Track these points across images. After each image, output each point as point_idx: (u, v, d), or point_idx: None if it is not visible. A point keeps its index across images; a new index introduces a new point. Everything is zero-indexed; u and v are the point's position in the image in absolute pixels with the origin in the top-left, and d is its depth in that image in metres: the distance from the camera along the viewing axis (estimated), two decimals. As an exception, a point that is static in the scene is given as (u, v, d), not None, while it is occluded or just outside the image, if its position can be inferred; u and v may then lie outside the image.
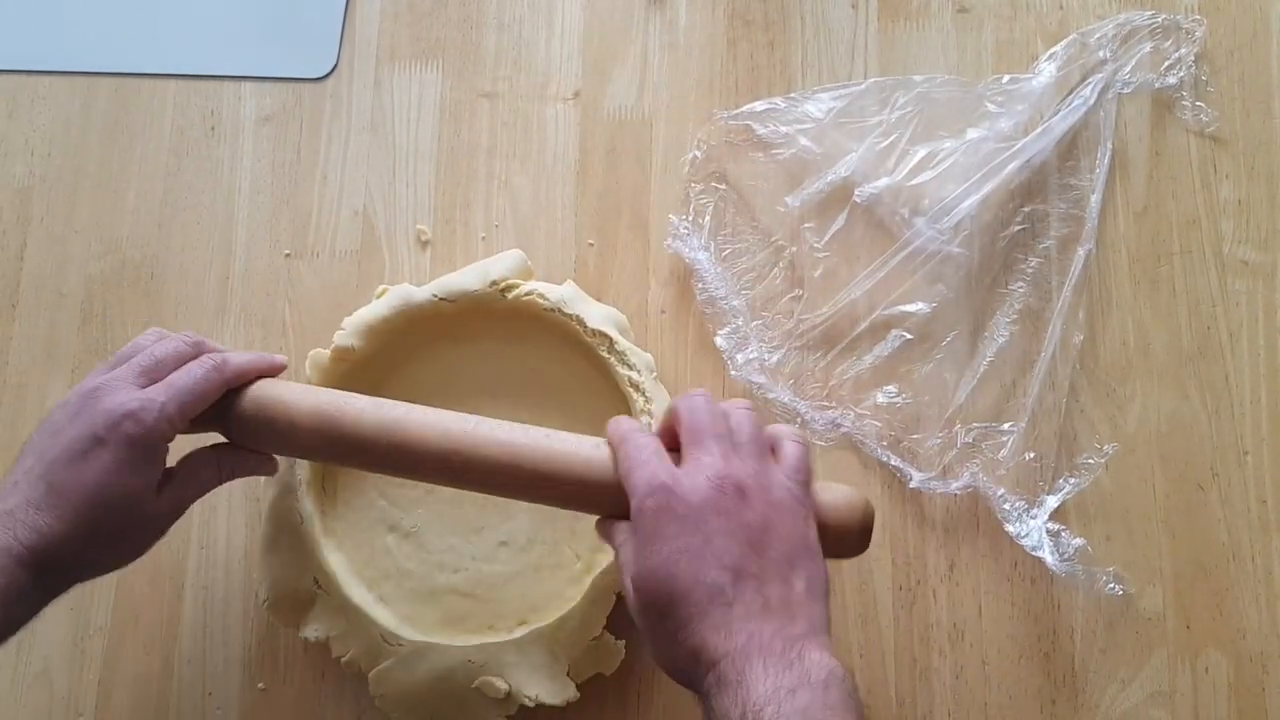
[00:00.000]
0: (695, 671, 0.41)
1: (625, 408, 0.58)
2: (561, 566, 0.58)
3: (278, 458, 0.55)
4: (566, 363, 0.60)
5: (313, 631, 0.56)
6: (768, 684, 0.38)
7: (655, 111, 0.67)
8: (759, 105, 0.65)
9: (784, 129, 0.65)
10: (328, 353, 0.59)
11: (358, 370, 0.60)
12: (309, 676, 0.60)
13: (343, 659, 0.55)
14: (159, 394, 0.48)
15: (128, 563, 0.49)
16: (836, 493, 0.47)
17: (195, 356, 0.50)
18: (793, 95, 0.65)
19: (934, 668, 0.58)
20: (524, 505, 0.57)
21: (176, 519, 0.50)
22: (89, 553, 0.47)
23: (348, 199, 0.67)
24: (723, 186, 0.65)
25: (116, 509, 0.46)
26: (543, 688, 0.54)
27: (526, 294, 0.59)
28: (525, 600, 0.57)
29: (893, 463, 0.60)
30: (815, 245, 0.63)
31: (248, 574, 0.61)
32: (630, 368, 0.58)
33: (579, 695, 0.55)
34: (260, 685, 0.60)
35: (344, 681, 0.59)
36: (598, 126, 0.67)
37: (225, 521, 0.62)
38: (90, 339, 0.65)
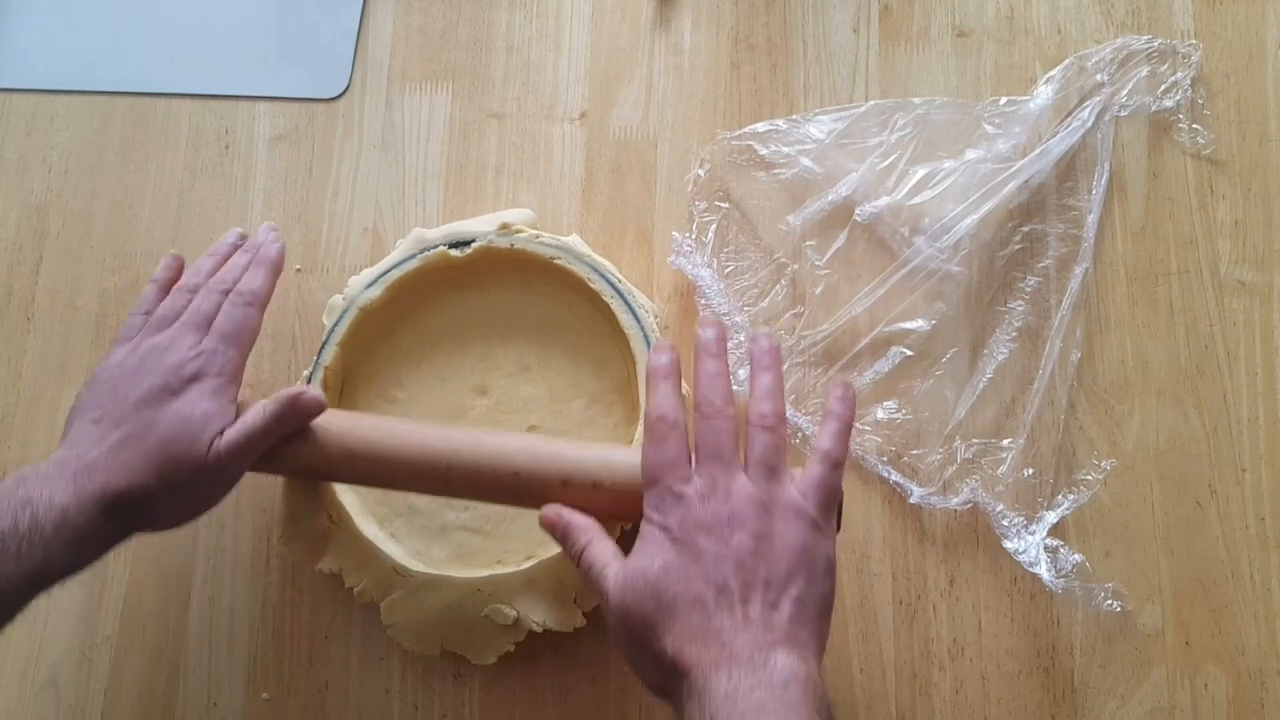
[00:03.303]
0: (669, 682, 0.43)
1: (628, 350, 0.60)
2: None
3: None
4: (573, 308, 0.63)
5: (327, 565, 0.57)
6: (729, 685, 0.40)
7: (660, 132, 0.68)
8: (761, 126, 0.67)
9: (786, 149, 0.66)
10: (341, 297, 0.62)
11: (372, 319, 0.62)
12: (313, 687, 0.60)
13: (356, 590, 0.57)
14: (214, 343, 0.52)
15: (194, 516, 0.52)
16: None
17: (225, 295, 0.55)
18: (794, 117, 0.66)
19: (934, 682, 0.58)
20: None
21: (239, 474, 0.52)
22: (160, 501, 0.49)
23: (358, 216, 0.68)
24: (726, 205, 0.66)
25: (186, 457, 0.49)
26: (550, 615, 0.55)
27: (533, 236, 0.61)
28: (532, 536, 0.58)
29: (893, 478, 0.60)
30: (816, 263, 0.64)
31: (254, 584, 0.62)
32: (633, 313, 0.60)
33: (585, 622, 0.56)
34: (265, 695, 0.60)
35: (348, 694, 0.60)
36: (603, 146, 0.68)
37: (232, 532, 0.63)
38: (103, 353, 0.65)
